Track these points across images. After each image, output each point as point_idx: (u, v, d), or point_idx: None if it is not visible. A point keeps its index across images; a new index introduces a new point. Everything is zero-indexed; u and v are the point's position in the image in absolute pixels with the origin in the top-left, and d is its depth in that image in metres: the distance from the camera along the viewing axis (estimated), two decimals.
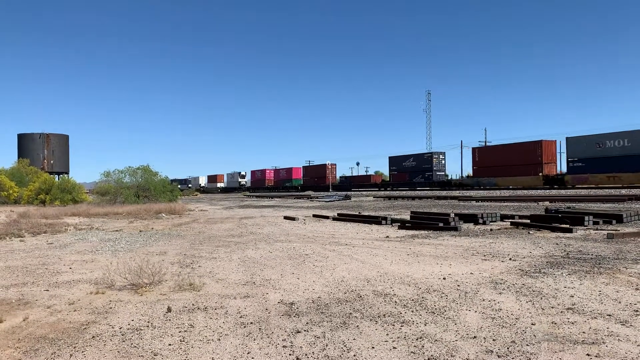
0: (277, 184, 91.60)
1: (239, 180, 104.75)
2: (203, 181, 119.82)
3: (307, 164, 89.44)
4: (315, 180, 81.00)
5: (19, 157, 67.01)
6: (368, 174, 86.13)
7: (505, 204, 24.70)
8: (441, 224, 13.41)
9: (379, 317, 4.72)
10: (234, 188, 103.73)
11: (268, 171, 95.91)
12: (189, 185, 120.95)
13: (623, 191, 30.29)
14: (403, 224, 14.50)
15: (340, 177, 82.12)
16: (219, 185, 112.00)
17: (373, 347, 3.87)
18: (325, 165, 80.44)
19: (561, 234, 11.15)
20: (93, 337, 4.30)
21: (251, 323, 4.63)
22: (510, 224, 13.65)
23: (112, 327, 4.58)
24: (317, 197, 45.77)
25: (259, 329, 4.44)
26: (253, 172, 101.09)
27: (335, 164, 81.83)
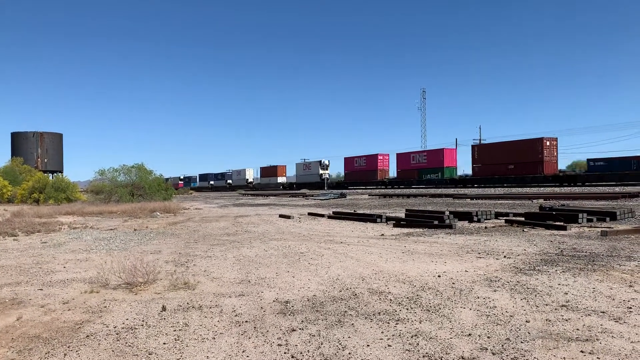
0: (407, 175, 57.75)
1: (321, 172, 70.73)
2: (251, 175, 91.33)
3: (447, 146, 56.37)
4: (509, 169, 46.04)
5: (12, 156, 66.74)
6: None
7: (500, 201, 24.79)
8: (436, 222, 13.44)
9: (374, 315, 4.73)
10: (311, 184, 71.09)
11: (381, 157, 61.43)
12: (228, 182, 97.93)
13: (617, 189, 30.48)
14: (398, 222, 14.52)
15: (590, 159, 42.80)
16: (280, 180, 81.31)
17: (368, 345, 3.88)
18: (539, 140, 44.25)
19: (555, 232, 11.20)
20: (87, 336, 4.28)
21: (246, 322, 4.62)
22: (505, 222, 13.70)
23: (107, 326, 4.56)
24: (312, 196, 45.80)
25: (254, 327, 4.44)
26: (348, 161, 67.77)
27: (556, 139, 45.03)
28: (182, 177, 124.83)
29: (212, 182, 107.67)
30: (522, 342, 3.84)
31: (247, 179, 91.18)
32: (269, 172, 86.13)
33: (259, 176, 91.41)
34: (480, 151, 51.16)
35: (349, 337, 4.08)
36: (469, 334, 4.08)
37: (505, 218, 14.56)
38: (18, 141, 77.05)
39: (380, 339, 4.03)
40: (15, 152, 73.39)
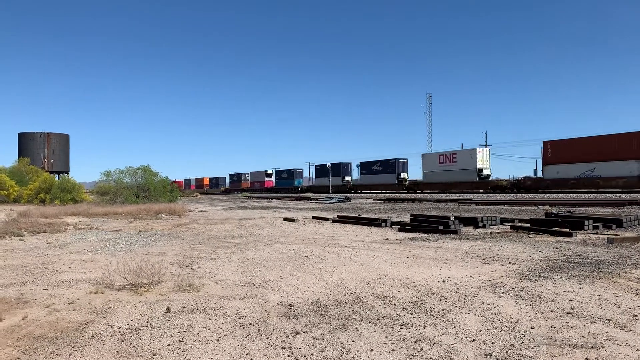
0: None
1: None
2: (486, 160, 51.11)
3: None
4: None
5: (19, 156, 67.13)
6: None
7: (505, 207, 24.68)
8: (441, 227, 13.40)
9: (378, 319, 4.72)
10: None
11: None
12: (398, 176, 60.41)
13: (623, 196, 30.30)
14: (403, 227, 14.49)
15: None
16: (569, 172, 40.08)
17: (372, 349, 3.87)
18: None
19: (561, 238, 11.14)
20: (92, 336, 4.30)
21: (250, 324, 4.63)
22: (510, 228, 13.64)
23: (111, 327, 4.58)
24: (317, 199, 45.77)
25: (258, 330, 4.44)
26: None
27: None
28: (270, 172, 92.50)
29: (357, 178, 69.59)
30: (526, 349, 3.82)
31: (480, 169, 50.06)
32: (567, 152, 41.99)
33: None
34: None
35: (353, 341, 4.08)
36: (474, 340, 4.06)
37: (510, 224, 14.49)
38: (25, 142, 77.58)
39: (384, 343, 4.02)
40: (22, 152, 73.90)
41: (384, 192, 60.39)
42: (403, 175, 62.09)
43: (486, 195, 40.16)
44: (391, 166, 63.23)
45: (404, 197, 40.92)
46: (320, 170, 76.90)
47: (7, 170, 48.29)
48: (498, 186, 48.50)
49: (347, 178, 70.71)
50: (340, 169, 73.03)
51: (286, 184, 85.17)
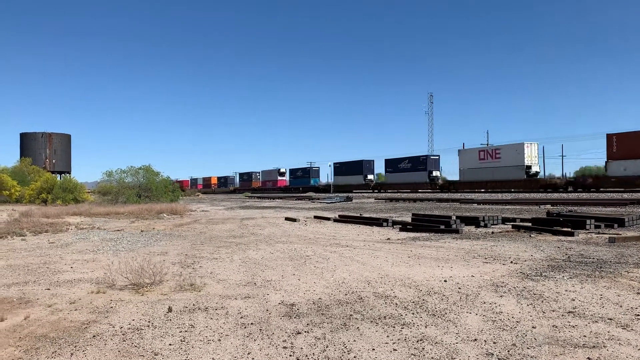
0: None
1: None
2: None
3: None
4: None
5: (21, 156, 67.33)
6: None
7: (507, 206, 24.66)
8: (442, 227, 13.40)
9: (379, 318, 4.72)
10: None
11: None
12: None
13: (625, 195, 30.25)
14: (404, 226, 14.49)
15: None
16: None
17: (373, 349, 3.87)
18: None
19: (563, 238, 11.13)
20: (94, 336, 4.31)
21: (252, 324, 4.63)
22: (512, 227, 13.63)
23: (113, 327, 4.58)
24: (318, 199, 45.81)
25: (260, 329, 4.44)
26: None
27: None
28: (283, 170, 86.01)
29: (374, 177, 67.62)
30: (528, 348, 3.82)
31: (528, 166, 46.41)
32: (638, 146, 37.19)
33: None
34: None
35: (355, 341, 4.08)
36: (475, 339, 4.06)
37: (512, 223, 14.47)
38: (27, 142, 77.77)
39: (386, 343, 4.02)
40: (24, 152, 74.10)
41: (413, 192, 52.79)
42: (435, 173, 56.35)
43: (487, 195, 40.16)
44: (421, 163, 57.14)
45: (404, 197, 40.87)
46: (339, 168, 71.91)
47: (9, 170, 48.41)
48: (550, 185, 43.39)
49: (370, 177, 65.16)
50: (362, 166, 66.65)
51: (301, 183, 79.01)
